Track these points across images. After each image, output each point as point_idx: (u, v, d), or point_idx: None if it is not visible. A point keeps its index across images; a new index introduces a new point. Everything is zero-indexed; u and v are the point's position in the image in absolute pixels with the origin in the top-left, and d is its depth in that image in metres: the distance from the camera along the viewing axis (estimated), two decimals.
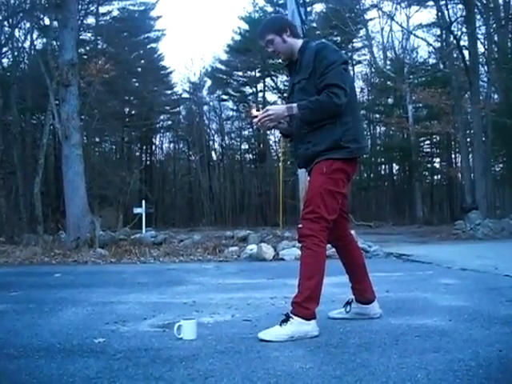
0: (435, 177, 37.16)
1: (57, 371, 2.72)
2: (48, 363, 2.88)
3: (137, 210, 15.83)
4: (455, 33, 22.75)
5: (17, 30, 21.98)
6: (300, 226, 3.46)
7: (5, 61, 23.77)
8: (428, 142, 34.70)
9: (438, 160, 36.50)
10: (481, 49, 24.32)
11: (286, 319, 3.32)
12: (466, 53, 22.05)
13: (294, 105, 3.36)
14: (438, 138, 33.30)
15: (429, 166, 35.28)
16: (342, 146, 3.34)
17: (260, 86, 37.54)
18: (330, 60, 3.32)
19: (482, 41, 24.86)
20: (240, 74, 37.98)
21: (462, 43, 22.32)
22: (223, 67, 38.03)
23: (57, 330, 3.75)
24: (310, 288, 3.38)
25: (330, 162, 3.35)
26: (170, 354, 3.00)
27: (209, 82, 39.25)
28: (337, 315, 3.91)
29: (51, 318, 4.27)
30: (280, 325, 3.30)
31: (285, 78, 34.42)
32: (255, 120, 3.47)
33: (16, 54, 23.11)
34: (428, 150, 35.51)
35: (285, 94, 34.73)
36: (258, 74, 36.82)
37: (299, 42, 3.54)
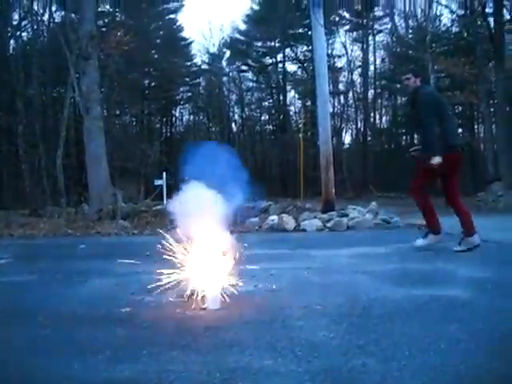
0: None
1: (85, 339, 2.80)
2: (78, 331, 2.96)
3: (158, 182, 15.92)
4: None
5: (35, 3, 21.96)
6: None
7: (24, 34, 23.82)
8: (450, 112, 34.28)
9: (460, 130, 36.02)
10: (506, 16, 23.72)
11: (425, 235, 6.24)
12: (490, 20, 21.53)
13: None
14: (460, 109, 32.77)
15: None
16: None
17: (280, 57, 37.14)
18: (421, 102, 5.99)
19: (508, 7, 24.23)
20: (259, 44, 37.61)
21: (486, 10, 21.78)
22: (242, 37, 37.66)
23: (84, 300, 3.84)
24: (427, 221, 6.27)
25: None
26: (195, 324, 3.06)
27: (228, 53, 38.96)
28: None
29: (78, 288, 4.36)
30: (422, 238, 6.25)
31: (305, 48, 34.01)
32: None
33: (35, 27, 23.12)
34: None
35: (305, 64, 34.36)
36: (277, 45, 36.40)
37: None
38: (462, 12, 28.83)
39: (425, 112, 5.83)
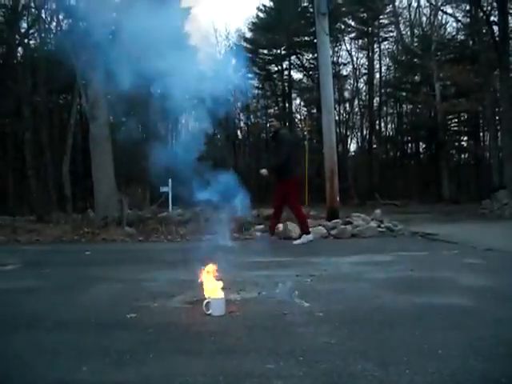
0: (462, 155, 36.62)
1: (92, 344, 2.86)
2: (84, 336, 3.02)
3: (163, 189, 15.97)
4: (485, 8, 22.25)
5: (43, 11, 22.14)
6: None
7: (32, 42, 23.97)
8: (455, 120, 34.14)
9: (465, 138, 35.91)
10: (511, 24, 23.77)
11: (300, 236, 8.52)
12: (495, 28, 21.59)
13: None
14: (465, 116, 32.74)
15: (456, 144, 34.77)
16: None
17: (285, 64, 37.23)
18: (281, 140, 8.58)
19: None
20: (265, 51, 37.72)
21: (491, 18, 21.82)
22: (248, 45, 37.81)
23: (90, 306, 3.90)
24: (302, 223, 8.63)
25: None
26: (199, 329, 3.11)
27: (234, 60, 39.08)
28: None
29: (84, 294, 4.42)
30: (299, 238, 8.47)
31: (310, 56, 34.12)
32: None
33: (43, 35, 23.30)
34: (455, 128, 34.95)
35: (310, 72, 34.46)
36: (283, 52, 36.51)
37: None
38: (468, 20, 28.92)
39: (283, 148, 8.41)
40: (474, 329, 3.02)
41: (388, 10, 32.96)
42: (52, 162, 20.64)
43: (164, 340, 2.91)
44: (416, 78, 33.82)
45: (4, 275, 5.69)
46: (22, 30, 22.04)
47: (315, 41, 17.20)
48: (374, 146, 34.87)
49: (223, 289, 3.72)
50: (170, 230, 10.53)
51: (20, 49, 22.73)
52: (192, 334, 3.03)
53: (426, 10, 30.67)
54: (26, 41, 22.54)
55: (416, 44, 30.80)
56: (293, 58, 36.76)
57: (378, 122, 35.18)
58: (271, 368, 2.38)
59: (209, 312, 3.40)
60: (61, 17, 21.65)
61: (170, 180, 15.73)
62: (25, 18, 22.09)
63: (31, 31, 22.69)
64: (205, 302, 3.44)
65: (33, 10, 21.60)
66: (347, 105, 35.19)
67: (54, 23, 22.83)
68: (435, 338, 2.80)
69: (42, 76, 21.47)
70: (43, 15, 22.09)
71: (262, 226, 10.28)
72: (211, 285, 3.66)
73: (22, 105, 20.48)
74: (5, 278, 5.41)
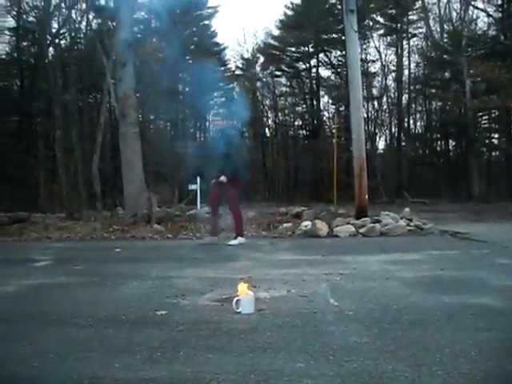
0: (493, 153, 36.00)
1: (124, 340, 2.90)
2: (115, 333, 3.06)
3: (192, 187, 16.04)
4: None
5: (73, 12, 22.44)
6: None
7: (63, 42, 24.31)
8: (486, 117, 33.56)
9: (496, 136, 35.27)
10: None
11: (236, 237, 8.10)
12: None
13: None
14: (496, 113, 32.17)
15: (486, 141, 34.17)
16: None
17: (313, 62, 37.09)
18: (228, 139, 8.62)
19: None
20: (293, 49, 37.63)
21: None
22: (276, 43, 37.76)
23: (120, 303, 3.95)
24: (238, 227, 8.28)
25: None
26: (230, 327, 3.13)
27: (261, 58, 39.08)
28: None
29: (114, 291, 4.48)
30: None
31: (339, 53, 33.93)
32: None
33: (73, 34, 23.61)
34: (486, 125, 34.36)
35: (338, 70, 34.27)
36: (311, 50, 36.37)
37: None
38: (499, 15, 28.41)
39: (231, 147, 8.34)
40: (508, 330, 2.98)
41: (417, 6, 32.55)
42: (82, 160, 20.92)
43: (194, 337, 2.93)
44: (446, 74, 33.31)
45: (36, 271, 5.79)
46: (53, 31, 22.36)
47: (343, 38, 17.13)
48: (403, 143, 34.49)
49: (252, 287, 3.73)
50: (199, 228, 10.58)
51: (51, 49, 23.05)
52: (222, 331, 3.04)
53: (456, 5, 30.15)
54: (56, 41, 22.85)
55: (446, 40, 30.37)
56: (321, 55, 36.58)
57: (406, 119, 34.80)
58: (301, 367, 2.38)
59: (238, 310, 3.42)
60: (90, 17, 21.99)
61: (198, 177, 15.80)
62: (55, 18, 22.39)
63: (62, 31, 23.00)
64: (234, 299, 3.46)
65: (63, 10, 21.88)
66: (375, 102, 34.88)
67: (84, 23, 23.18)
68: (467, 339, 2.77)
69: (72, 75, 21.77)
70: (73, 15, 22.42)
71: (290, 224, 10.28)
72: (241, 283, 3.67)
73: (52, 104, 20.81)
74: (37, 275, 5.49)
